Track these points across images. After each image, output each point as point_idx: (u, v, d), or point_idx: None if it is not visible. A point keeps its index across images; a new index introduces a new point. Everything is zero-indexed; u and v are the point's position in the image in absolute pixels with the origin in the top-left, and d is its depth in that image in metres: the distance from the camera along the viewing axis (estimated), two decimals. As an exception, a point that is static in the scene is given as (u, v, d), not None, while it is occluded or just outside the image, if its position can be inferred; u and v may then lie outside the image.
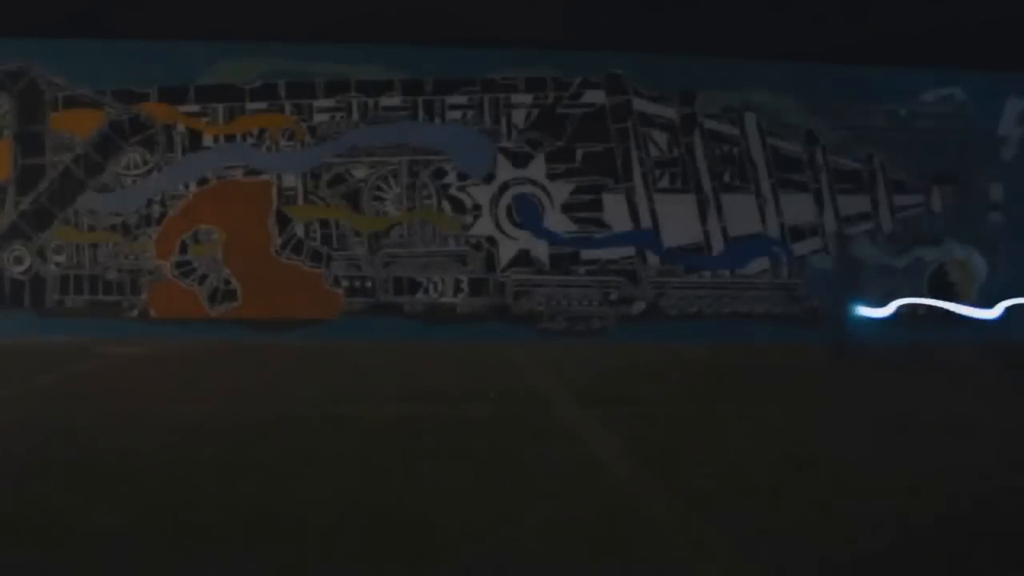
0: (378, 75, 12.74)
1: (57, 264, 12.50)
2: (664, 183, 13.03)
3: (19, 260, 12.46)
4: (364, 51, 12.72)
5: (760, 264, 13.22)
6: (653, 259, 13.00)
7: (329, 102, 12.71)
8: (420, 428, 6.19)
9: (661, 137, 13.02)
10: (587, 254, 12.94)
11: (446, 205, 12.81)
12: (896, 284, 12.21)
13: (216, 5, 12.14)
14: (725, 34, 12.67)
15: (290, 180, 12.71)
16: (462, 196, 12.82)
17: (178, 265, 12.52)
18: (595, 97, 12.95)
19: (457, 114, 12.85)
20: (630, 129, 12.96)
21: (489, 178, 12.83)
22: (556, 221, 12.90)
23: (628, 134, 12.96)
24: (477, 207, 12.82)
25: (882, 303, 11.06)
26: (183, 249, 12.53)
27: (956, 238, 13.57)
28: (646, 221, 12.97)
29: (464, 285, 12.72)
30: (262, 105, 12.65)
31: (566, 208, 12.92)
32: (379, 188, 12.76)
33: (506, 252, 12.84)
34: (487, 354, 10.73)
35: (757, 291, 13.00)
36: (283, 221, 12.66)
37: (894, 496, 4.50)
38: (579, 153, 12.90)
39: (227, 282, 12.51)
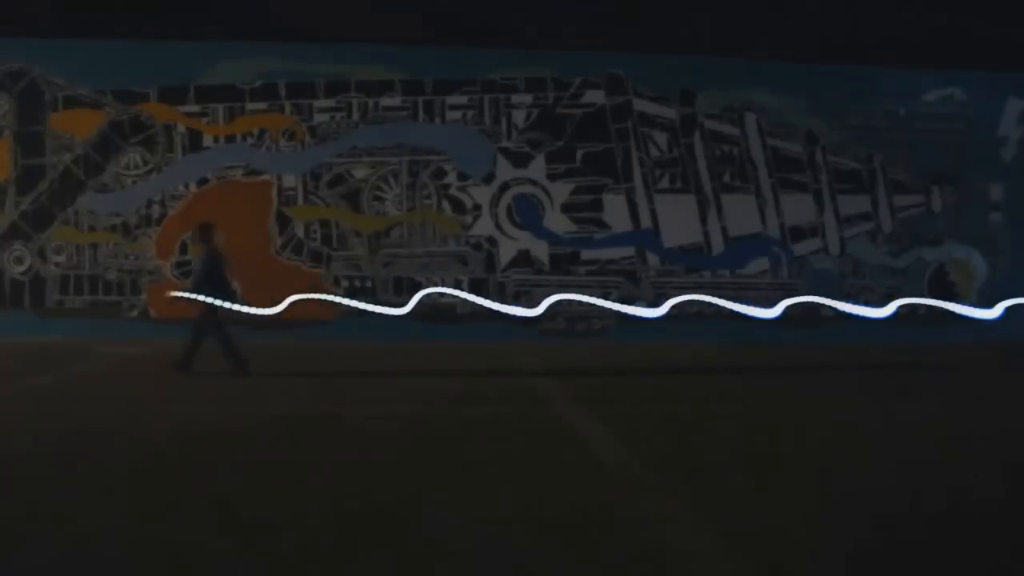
0: (378, 75, 12.75)
1: (57, 264, 12.50)
2: (664, 183, 13.04)
3: (19, 260, 12.46)
4: (364, 51, 12.72)
5: (760, 264, 13.24)
6: (653, 259, 13.02)
7: (329, 102, 12.71)
8: (420, 428, 6.19)
9: (661, 137, 13.03)
10: (587, 254, 12.95)
11: (446, 205, 12.81)
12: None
13: (216, 5, 12.16)
14: (725, 34, 12.68)
15: (290, 180, 12.71)
16: (462, 196, 12.82)
17: (178, 265, 12.52)
18: (595, 97, 12.96)
19: (457, 114, 12.86)
20: (630, 129, 12.96)
21: (489, 178, 12.83)
22: (556, 221, 12.91)
23: (628, 134, 12.97)
24: (477, 207, 12.83)
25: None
26: (183, 249, 12.53)
27: (956, 238, 13.58)
28: (646, 221, 12.98)
29: (464, 285, 12.71)
30: (262, 105, 12.66)
31: (566, 208, 12.92)
32: (379, 188, 12.76)
33: (506, 252, 12.85)
34: (487, 354, 10.73)
35: (757, 291, 13.00)
36: (283, 221, 12.67)
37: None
38: (579, 153, 12.91)
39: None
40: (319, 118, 12.72)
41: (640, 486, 4.76)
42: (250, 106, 12.64)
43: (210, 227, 9.18)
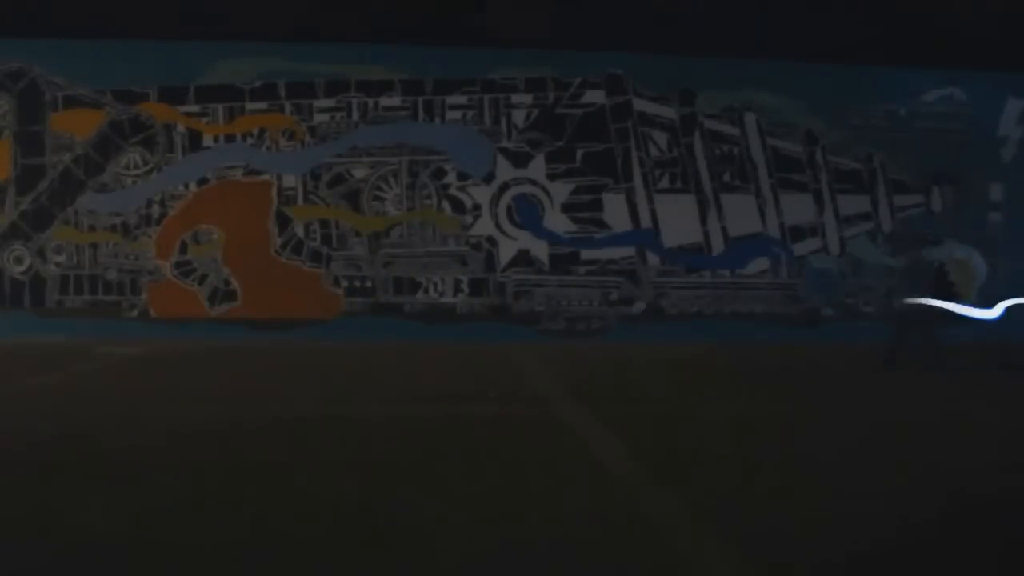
0: (378, 75, 12.74)
1: (57, 264, 12.50)
2: (664, 183, 13.03)
3: (19, 260, 12.46)
4: (364, 51, 12.72)
5: (760, 264, 13.23)
6: (653, 259, 13.01)
7: (329, 102, 12.70)
8: (421, 429, 6.19)
9: (661, 137, 13.02)
10: (587, 254, 12.94)
11: (446, 205, 12.81)
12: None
13: (216, 5, 12.14)
14: (725, 34, 12.65)
15: (290, 180, 12.71)
16: (462, 196, 12.82)
17: (178, 265, 12.52)
18: (595, 97, 12.95)
19: (457, 114, 12.85)
20: (630, 129, 12.96)
21: (489, 178, 12.83)
22: (556, 221, 12.90)
23: (628, 134, 12.96)
24: (477, 207, 12.82)
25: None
26: (183, 249, 12.53)
27: (956, 238, 13.57)
28: (646, 221, 12.97)
29: (464, 285, 12.72)
30: (262, 105, 12.65)
31: (566, 208, 12.91)
32: (379, 188, 12.76)
33: (506, 252, 12.84)
34: (487, 354, 10.72)
35: (757, 291, 13.00)
36: (283, 221, 12.66)
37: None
38: (579, 153, 12.90)
39: (227, 282, 12.51)
40: (319, 118, 12.71)
41: (639, 486, 4.76)
42: (250, 106, 12.63)
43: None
